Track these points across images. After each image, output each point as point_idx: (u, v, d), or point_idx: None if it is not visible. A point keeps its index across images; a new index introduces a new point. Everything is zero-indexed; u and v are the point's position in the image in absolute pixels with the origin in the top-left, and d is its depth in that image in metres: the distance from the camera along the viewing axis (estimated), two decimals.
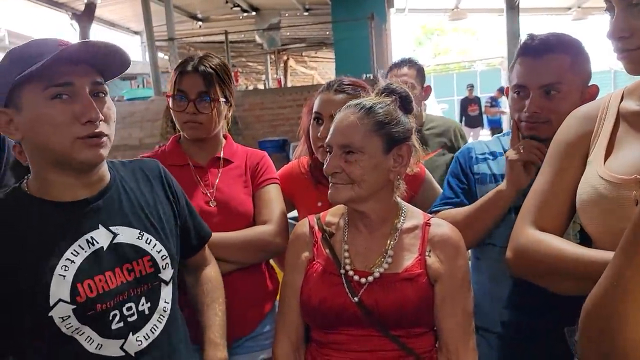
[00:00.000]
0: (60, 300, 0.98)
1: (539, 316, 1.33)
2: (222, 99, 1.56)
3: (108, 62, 1.03)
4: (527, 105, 1.31)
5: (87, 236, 1.04)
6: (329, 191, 1.19)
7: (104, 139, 1.02)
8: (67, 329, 0.99)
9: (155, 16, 9.49)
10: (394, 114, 1.20)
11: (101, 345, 1.03)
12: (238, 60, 15.84)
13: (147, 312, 1.10)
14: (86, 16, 8.23)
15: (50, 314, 0.97)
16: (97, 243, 1.05)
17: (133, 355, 1.07)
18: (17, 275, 0.97)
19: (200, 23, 11.79)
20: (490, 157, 1.46)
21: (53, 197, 1.03)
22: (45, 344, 1.01)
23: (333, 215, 1.29)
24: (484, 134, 12.50)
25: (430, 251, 1.18)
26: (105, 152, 1.04)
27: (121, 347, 1.05)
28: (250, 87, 16.91)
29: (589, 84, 1.33)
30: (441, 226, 1.22)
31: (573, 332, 1.16)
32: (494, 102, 12.36)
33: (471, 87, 12.76)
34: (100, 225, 1.06)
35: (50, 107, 0.97)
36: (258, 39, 12.02)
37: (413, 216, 1.24)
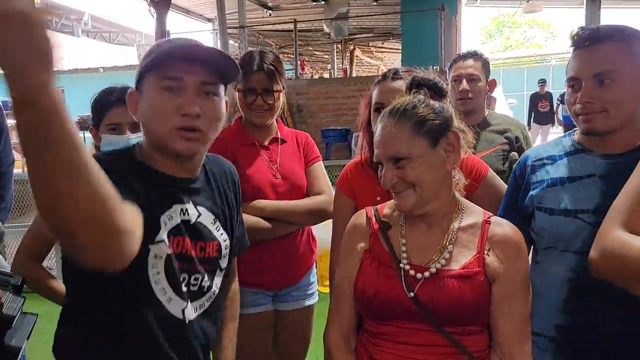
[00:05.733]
0: (163, 241, 1.08)
1: (597, 321, 1.30)
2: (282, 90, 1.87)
3: (224, 66, 1.12)
4: (578, 97, 1.28)
5: (181, 206, 1.14)
6: (395, 202, 1.21)
7: (198, 134, 1.10)
8: (153, 268, 1.06)
9: (227, 3, 9.72)
10: (429, 107, 1.18)
11: (171, 299, 1.10)
12: (305, 49, 15.93)
13: (205, 289, 1.17)
14: (163, 3, 8.54)
15: (149, 247, 1.05)
16: (187, 215, 1.15)
17: (187, 322, 1.13)
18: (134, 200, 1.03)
19: (270, 11, 11.94)
20: (549, 162, 1.42)
21: (157, 167, 1.13)
22: (126, 282, 1.03)
23: (391, 208, 1.30)
24: (555, 131, 11.99)
25: (489, 250, 1.17)
26: (198, 146, 1.12)
27: (182, 310, 1.12)
28: (316, 76, 17.00)
29: None
30: (502, 225, 1.20)
31: None
32: None
33: (543, 82, 12.23)
34: (190, 202, 1.16)
35: (160, 96, 1.08)
36: (326, 28, 12.02)
37: (472, 213, 1.23)
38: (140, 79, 1.12)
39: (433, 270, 1.16)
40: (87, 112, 1.96)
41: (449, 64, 2.40)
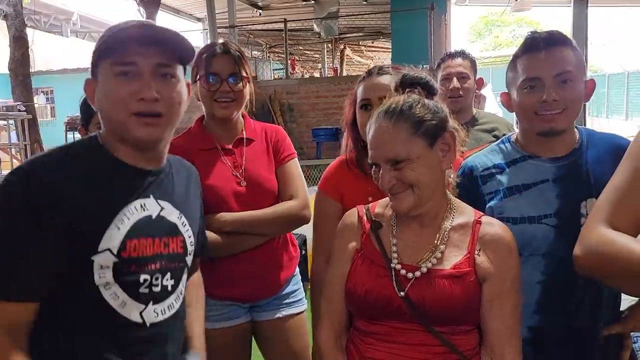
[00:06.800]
0: (108, 249, 1.02)
1: (569, 321, 1.32)
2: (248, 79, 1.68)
3: (179, 48, 1.08)
4: (545, 95, 1.31)
5: (141, 201, 1.09)
6: (392, 203, 1.19)
7: (159, 119, 1.06)
8: (100, 278, 1.02)
9: (217, 3, 9.70)
10: (425, 107, 1.17)
11: (125, 303, 1.05)
12: (295, 49, 15.93)
13: (169, 288, 1.13)
14: (152, 3, 8.49)
15: (92, 258, 1.01)
16: (147, 210, 1.10)
17: (148, 325, 1.08)
18: (74, 215, 0.99)
19: (260, 11, 11.92)
20: (497, 171, 1.43)
21: (120, 157, 1.10)
22: (73, 289, 1.02)
23: (382, 207, 1.29)
24: None
25: (480, 250, 1.17)
26: (160, 132, 1.08)
27: (140, 314, 1.08)
28: (306, 75, 17.02)
29: (586, 78, 1.37)
30: (493, 225, 1.20)
31: None
32: None
33: None
34: (151, 195, 1.12)
35: (115, 83, 1.05)
36: (316, 28, 12.04)
37: (463, 213, 1.23)
38: (95, 66, 1.08)
39: (424, 269, 1.16)
40: (77, 113, 1.94)
41: (437, 63, 2.42)
